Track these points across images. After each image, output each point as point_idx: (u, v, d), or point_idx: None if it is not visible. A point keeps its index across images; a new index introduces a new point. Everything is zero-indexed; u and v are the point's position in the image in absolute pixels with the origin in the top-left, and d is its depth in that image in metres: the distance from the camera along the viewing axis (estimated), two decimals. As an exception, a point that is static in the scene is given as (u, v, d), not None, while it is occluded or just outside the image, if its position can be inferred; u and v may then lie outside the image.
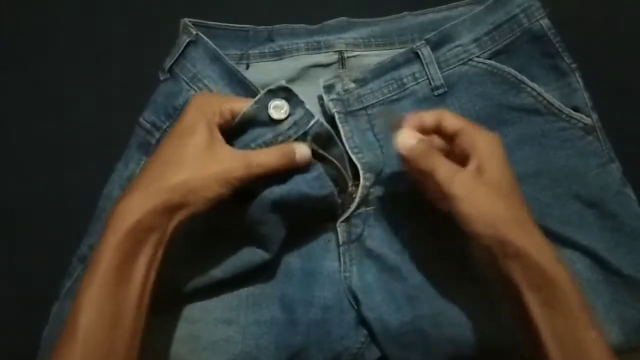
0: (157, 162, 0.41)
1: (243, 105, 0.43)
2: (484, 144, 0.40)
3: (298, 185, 0.44)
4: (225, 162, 0.41)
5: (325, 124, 0.45)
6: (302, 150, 0.44)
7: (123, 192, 0.40)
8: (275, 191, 0.43)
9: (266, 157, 0.42)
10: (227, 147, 0.42)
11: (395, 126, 0.43)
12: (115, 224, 0.37)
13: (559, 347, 0.35)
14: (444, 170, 0.40)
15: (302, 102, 0.44)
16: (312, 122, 0.44)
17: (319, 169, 0.45)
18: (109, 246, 0.36)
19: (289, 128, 0.44)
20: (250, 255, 0.46)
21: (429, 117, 0.42)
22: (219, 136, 0.42)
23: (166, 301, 0.46)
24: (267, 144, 0.44)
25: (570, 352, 0.35)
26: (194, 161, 0.40)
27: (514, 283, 0.37)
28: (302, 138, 0.44)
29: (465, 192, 0.39)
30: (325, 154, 0.46)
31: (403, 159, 0.42)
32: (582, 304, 0.36)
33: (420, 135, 0.42)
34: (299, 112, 0.44)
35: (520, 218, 0.38)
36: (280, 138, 0.44)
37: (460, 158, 0.41)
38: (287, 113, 0.44)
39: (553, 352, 0.35)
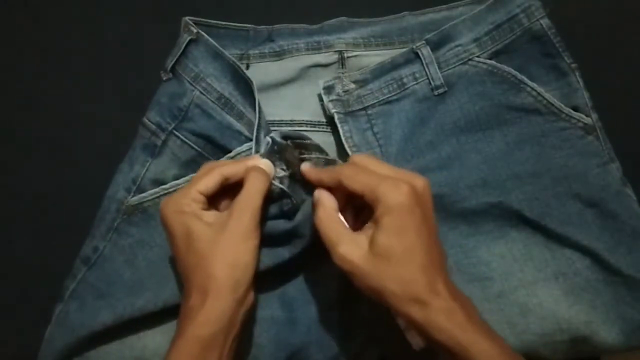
0: (190, 277, 0.40)
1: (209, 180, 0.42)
2: (384, 201, 0.37)
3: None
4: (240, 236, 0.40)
5: (278, 138, 0.45)
6: (262, 162, 0.44)
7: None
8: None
9: (255, 200, 0.41)
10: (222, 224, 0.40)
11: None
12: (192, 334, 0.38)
13: None
14: (327, 237, 0.39)
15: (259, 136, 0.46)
16: (266, 143, 0.44)
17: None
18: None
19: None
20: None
21: (327, 179, 0.41)
22: (210, 219, 0.41)
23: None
24: None
25: None
26: (217, 256, 0.39)
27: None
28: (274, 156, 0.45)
29: (344, 265, 0.38)
30: (312, 156, 0.46)
31: None
32: None
33: (323, 195, 0.41)
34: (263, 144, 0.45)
35: (409, 292, 0.36)
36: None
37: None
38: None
39: None
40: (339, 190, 0.41)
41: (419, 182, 0.38)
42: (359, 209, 0.42)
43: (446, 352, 0.35)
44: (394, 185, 0.37)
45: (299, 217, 0.44)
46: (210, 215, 0.41)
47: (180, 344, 0.37)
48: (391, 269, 0.36)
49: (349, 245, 0.38)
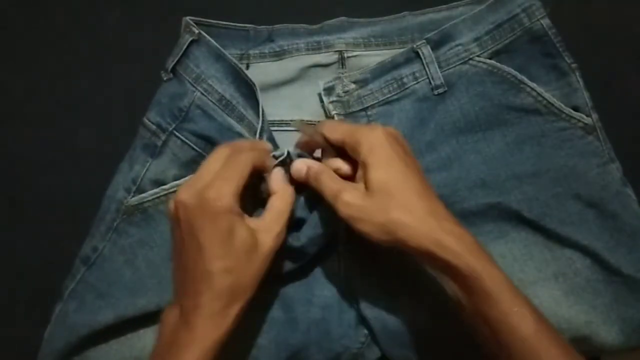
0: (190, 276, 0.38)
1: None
2: (365, 142, 0.39)
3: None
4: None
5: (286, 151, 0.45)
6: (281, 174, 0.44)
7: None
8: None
9: (285, 218, 0.41)
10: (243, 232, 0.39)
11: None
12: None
13: (485, 324, 0.35)
14: (328, 191, 0.40)
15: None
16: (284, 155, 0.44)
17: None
18: None
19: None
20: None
21: (308, 135, 0.43)
22: (254, 227, 0.40)
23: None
24: None
25: (497, 330, 0.35)
26: (252, 270, 0.39)
27: (432, 273, 0.38)
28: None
29: (350, 211, 0.38)
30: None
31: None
32: (501, 285, 0.35)
33: (310, 162, 0.43)
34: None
35: (412, 217, 0.37)
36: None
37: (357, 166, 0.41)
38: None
39: (481, 329, 0.36)
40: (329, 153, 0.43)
41: (390, 127, 0.41)
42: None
43: (456, 276, 0.36)
44: (369, 128, 0.40)
45: (303, 239, 0.44)
46: (251, 220, 0.40)
47: (195, 348, 0.36)
48: (392, 199, 0.37)
49: (350, 192, 0.39)
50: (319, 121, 0.52)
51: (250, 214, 0.42)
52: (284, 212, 0.41)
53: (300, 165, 0.43)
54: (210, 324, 0.37)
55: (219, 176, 0.39)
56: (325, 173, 0.41)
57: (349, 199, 0.38)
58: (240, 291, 0.38)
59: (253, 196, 0.43)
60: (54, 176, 0.55)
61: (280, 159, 0.44)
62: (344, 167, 0.42)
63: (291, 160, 0.44)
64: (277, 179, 0.43)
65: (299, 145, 0.45)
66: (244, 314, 0.39)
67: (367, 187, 0.38)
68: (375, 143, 0.39)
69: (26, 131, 0.56)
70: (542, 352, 0.34)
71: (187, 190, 0.38)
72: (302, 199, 0.45)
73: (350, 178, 0.42)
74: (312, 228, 0.44)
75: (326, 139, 0.42)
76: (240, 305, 0.38)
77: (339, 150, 0.42)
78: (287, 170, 0.44)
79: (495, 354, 0.36)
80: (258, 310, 0.47)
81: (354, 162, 0.41)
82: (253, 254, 0.38)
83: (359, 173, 0.40)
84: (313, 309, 0.47)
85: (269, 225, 0.40)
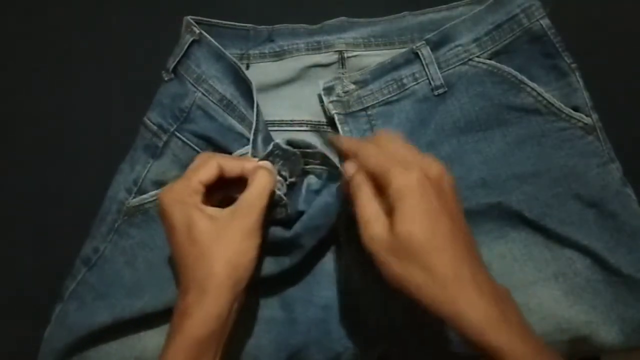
0: (186, 269, 0.39)
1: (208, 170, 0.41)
2: (395, 185, 0.35)
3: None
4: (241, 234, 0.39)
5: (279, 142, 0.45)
6: (266, 164, 0.43)
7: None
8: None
9: (262, 199, 0.40)
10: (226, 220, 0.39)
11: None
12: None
13: None
14: (360, 212, 0.37)
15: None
16: (269, 147, 0.44)
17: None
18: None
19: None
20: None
21: (347, 151, 0.41)
22: (212, 213, 0.40)
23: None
24: None
25: None
26: (219, 253, 0.38)
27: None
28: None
29: (372, 247, 0.35)
30: (316, 167, 0.46)
31: None
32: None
33: (357, 168, 0.39)
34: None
35: (430, 282, 0.34)
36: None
37: None
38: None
39: None
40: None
41: (434, 167, 0.36)
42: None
43: (476, 349, 0.33)
44: (404, 170, 0.35)
45: (297, 228, 0.44)
46: (213, 209, 0.40)
47: (177, 343, 0.37)
48: (413, 257, 0.34)
49: (378, 226, 0.35)
50: (319, 121, 0.52)
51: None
52: (267, 187, 0.41)
53: (351, 166, 0.40)
54: (223, 292, 0.37)
55: (186, 174, 0.40)
56: (364, 189, 0.38)
57: (374, 235, 0.35)
58: (241, 270, 0.39)
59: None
60: (54, 176, 0.55)
61: (269, 149, 0.43)
62: None
63: (282, 153, 0.44)
64: (251, 160, 0.43)
65: (337, 143, 0.43)
66: (239, 306, 0.39)
67: (391, 231, 0.35)
68: (406, 190, 0.35)
69: (26, 131, 0.56)
70: None
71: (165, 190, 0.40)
72: (303, 192, 0.45)
73: None
74: (309, 218, 0.44)
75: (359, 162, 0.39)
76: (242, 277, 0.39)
77: None
78: (290, 166, 0.44)
79: None
80: (258, 310, 0.47)
81: None
82: (216, 240, 0.38)
83: (389, 209, 0.36)
84: (313, 310, 0.47)
85: (252, 201, 0.40)
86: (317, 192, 0.45)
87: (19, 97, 0.57)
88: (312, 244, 0.45)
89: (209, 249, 0.38)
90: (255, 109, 0.47)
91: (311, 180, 0.45)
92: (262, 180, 0.41)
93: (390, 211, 0.36)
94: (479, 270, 0.35)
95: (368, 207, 0.37)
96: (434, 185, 0.36)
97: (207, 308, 0.37)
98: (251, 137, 0.46)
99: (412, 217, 0.34)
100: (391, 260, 0.35)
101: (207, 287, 0.37)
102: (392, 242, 0.35)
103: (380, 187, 0.37)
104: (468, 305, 0.33)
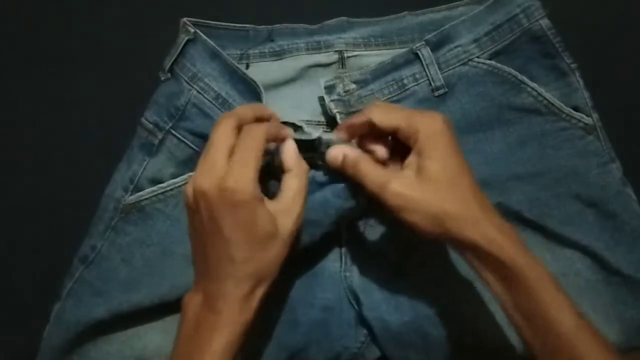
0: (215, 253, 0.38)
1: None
2: (424, 130, 0.38)
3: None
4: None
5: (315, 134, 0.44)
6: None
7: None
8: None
9: (299, 196, 0.40)
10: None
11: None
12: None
13: (524, 318, 0.36)
14: (371, 180, 0.39)
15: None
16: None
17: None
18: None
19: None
20: None
21: (358, 122, 0.41)
22: (273, 210, 0.38)
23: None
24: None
25: (536, 324, 0.35)
26: (275, 256, 0.38)
27: (472, 266, 0.38)
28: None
29: (401, 201, 0.38)
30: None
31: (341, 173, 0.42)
32: (545, 285, 0.36)
33: (346, 149, 0.41)
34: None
35: (464, 210, 0.37)
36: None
37: (404, 153, 0.40)
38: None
39: (519, 322, 0.36)
40: (363, 137, 0.42)
41: (440, 114, 0.40)
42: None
43: (499, 268, 0.36)
44: (429, 116, 0.39)
45: None
46: (271, 203, 0.39)
47: (224, 331, 0.37)
48: (448, 190, 0.37)
49: (400, 181, 0.38)
50: (319, 121, 0.52)
51: (263, 185, 0.40)
52: (301, 190, 0.40)
53: (336, 152, 0.42)
54: (236, 308, 0.37)
55: (236, 161, 0.37)
56: (365, 161, 0.40)
57: (400, 189, 0.38)
58: (263, 276, 0.38)
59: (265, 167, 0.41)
60: (53, 176, 0.55)
61: (307, 138, 0.43)
62: (380, 150, 0.42)
63: (320, 145, 0.43)
64: (290, 155, 0.41)
65: (341, 128, 0.43)
66: (267, 297, 0.39)
67: (419, 176, 0.38)
68: (436, 131, 0.38)
69: (26, 131, 0.56)
70: (581, 347, 0.34)
71: (205, 178, 0.37)
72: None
73: (383, 164, 0.42)
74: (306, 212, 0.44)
75: (374, 124, 0.40)
76: (264, 290, 0.38)
77: (378, 134, 0.41)
78: (319, 157, 0.44)
79: (532, 344, 0.36)
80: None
81: (393, 147, 0.41)
82: (274, 239, 0.38)
83: (410, 160, 0.39)
84: (314, 311, 0.48)
85: (288, 207, 0.39)
86: (321, 185, 0.45)
87: (19, 97, 0.57)
88: (307, 239, 0.45)
89: (265, 249, 0.38)
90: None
91: (318, 173, 0.45)
92: (300, 184, 0.40)
93: (409, 163, 0.39)
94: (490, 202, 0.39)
95: (376, 171, 0.39)
96: (451, 128, 0.40)
97: (257, 297, 0.38)
98: None
99: (445, 153, 0.38)
100: (424, 203, 0.37)
101: (262, 280, 0.38)
102: (421, 185, 0.38)
103: (400, 137, 0.40)
104: (495, 227, 0.37)
